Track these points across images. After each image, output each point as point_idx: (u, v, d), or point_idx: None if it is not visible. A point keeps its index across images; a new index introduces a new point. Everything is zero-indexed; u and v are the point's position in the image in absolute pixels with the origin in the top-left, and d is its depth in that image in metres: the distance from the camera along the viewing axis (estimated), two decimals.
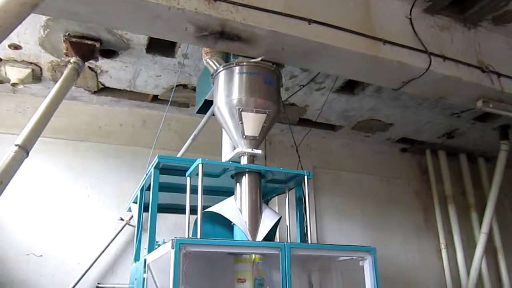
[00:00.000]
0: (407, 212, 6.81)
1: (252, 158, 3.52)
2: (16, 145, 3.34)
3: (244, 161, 3.49)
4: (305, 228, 3.82)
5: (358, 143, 6.86)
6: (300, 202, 4.04)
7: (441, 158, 7.09)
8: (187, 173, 3.39)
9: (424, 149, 7.13)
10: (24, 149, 3.36)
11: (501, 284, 6.78)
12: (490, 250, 6.81)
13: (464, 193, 7.09)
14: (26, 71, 4.58)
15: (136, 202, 4.36)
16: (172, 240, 2.66)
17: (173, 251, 2.62)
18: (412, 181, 7.09)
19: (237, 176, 3.51)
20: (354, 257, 3.19)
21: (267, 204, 3.95)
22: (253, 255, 3.18)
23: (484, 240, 6.34)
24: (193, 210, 3.20)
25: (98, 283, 4.72)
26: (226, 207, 3.37)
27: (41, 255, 4.58)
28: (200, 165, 3.20)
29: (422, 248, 6.70)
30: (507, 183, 6.86)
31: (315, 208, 6.12)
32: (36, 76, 4.72)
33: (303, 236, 3.86)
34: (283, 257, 2.85)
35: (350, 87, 5.34)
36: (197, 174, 3.21)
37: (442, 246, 6.71)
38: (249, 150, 3.46)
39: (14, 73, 4.57)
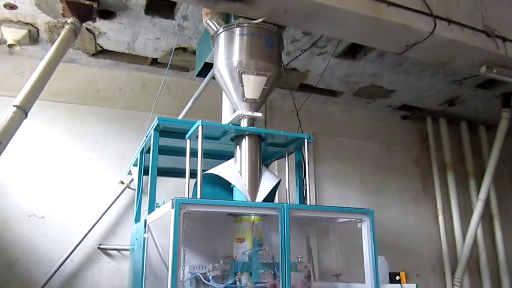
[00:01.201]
0: (406, 179, 6.85)
1: (252, 121, 3.50)
2: (14, 106, 3.32)
3: (244, 123, 3.47)
4: (304, 191, 3.85)
5: (358, 109, 6.83)
6: (299, 166, 4.05)
7: (442, 125, 7.07)
8: (187, 135, 3.38)
9: (425, 117, 7.10)
10: (23, 110, 3.34)
11: (495, 250, 6.90)
12: (486, 217, 6.90)
13: (463, 161, 7.11)
14: (22, 32, 4.50)
15: (136, 165, 4.38)
16: (172, 200, 2.68)
17: (173, 210, 2.64)
18: (412, 149, 7.10)
19: (237, 138, 3.50)
20: (352, 219, 3.22)
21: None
22: (253, 216, 3.21)
23: (481, 206, 6.41)
24: (193, 174, 3.21)
25: (100, 245, 4.79)
26: (226, 169, 3.38)
27: (42, 217, 4.63)
28: (200, 127, 3.19)
29: (419, 214, 6.78)
30: (507, 151, 6.87)
31: (315, 174, 6.15)
32: (33, 38, 4.63)
33: (302, 199, 3.90)
34: (282, 218, 2.87)
35: (352, 52, 5.26)
36: (197, 137, 3.20)
37: (440, 212, 6.79)
38: (249, 113, 3.44)
39: (11, 34, 4.49)
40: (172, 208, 2.65)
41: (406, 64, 5.39)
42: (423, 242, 6.65)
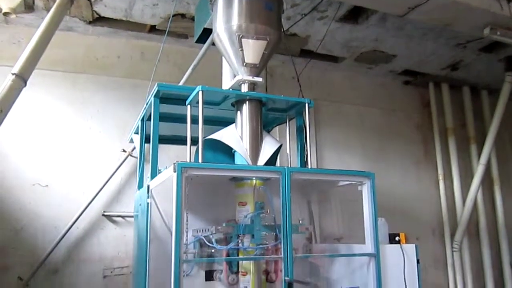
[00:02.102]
0: (407, 144, 6.86)
1: (252, 86, 3.49)
2: (13, 74, 3.29)
3: (244, 88, 3.46)
4: (305, 156, 3.87)
5: (360, 75, 6.77)
6: (300, 131, 4.06)
7: (444, 90, 7.02)
8: (187, 101, 3.38)
9: (427, 82, 7.03)
10: (22, 78, 3.32)
11: (495, 214, 6.97)
12: (486, 181, 6.94)
13: (464, 126, 7.10)
14: (17, 0, 4.42)
15: (137, 133, 4.39)
16: (173, 164, 2.70)
17: (175, 174, 2.67)
18: (413, 114, 7.08)
19: (238, 104, 3.50)
20: (353, 182, 3.25)
21: None
22: (254, 180, 3.24)
23: (481, 171, 6.44)
24: (194, 141, 3.22)
25: (104, 211, 4.86)
26: (227, 135, 3.39)
27: (46, 186, 4.67)
28: (200, 92, 3.18)
29: (420, 179, 6.82)
30: (509, 116, 6.82)
31: (316, 141, 6.15)
32: (28, 5, 4.55)
33: (303, 164, 3.92)
34: (283, 181, 2.90)
35: (354, 15, 5.16)
36: (198, 102, 3.19)
37: (440, 177, 6.82)
38: (250, 78, 3.42)
39: (5, 2, 4.40)
40: (174, 172, 2.67)
41: (408, 28, 5.30)
42: (424, 206, 6.72)
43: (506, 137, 7.55)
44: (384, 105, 6.87)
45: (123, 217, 4.91)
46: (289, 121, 4.15)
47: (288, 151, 4.08)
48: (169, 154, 4.81)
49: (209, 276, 3.45)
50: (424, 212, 6.70)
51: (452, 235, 6.56)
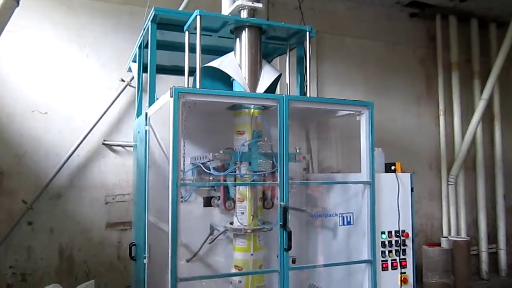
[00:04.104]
0: (409, 79, 6.76)
1: (252, 12, 3.37)
2: None
3: (244, 14, 3.35)
4: (305, 87, 3.82)
5: (365, 6, 6.51)
6: (301, 62, 3.99)
7: (451, 23, 6.78)
8: (185, 27, 3.28)
9: (434, 14, 6.79)
10: None
11: (493, 149, 7.02)
12: (487, 117, 6.93)
13: (470, 60, 6.95)
14: None
15: (135, 61, 4.32)
16: (170, 89, 2.68)
17: (172, 100, 2.65)
18: (418, 48, 6.91)
19: (237, 31, 3.40)
20: (352, 112, 3.24)
21: None
22: (252, 110, 3.23)
23: (483, 106, 6.40)
24: (193, 71, 3.17)
25: (104, 140, 4.90)
26: (226, 62, 3.33)
27: (46, 113, 4.67)
28: (198, 17, 3.08)
29: (421, 114, 6.81)
30: None
31: (317, 74, 6.06)
32: None
33: (303, 95, 3.89)
34: (281, 109, 2.88)
35: None
36: (196, 28, 3.10)
37: (441, 112, 6.80)
38: (249, 3, 3.30)
39: None
40: (171, 97, 2.65)
41: None
42: (422, 141, 6.76)
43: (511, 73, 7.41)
44: (388, 39, 6.69)
45: (123, 146, 4.97)
46: (289, 51, 4.05)
47: (287, 82, 4.03)
48: (168, 85, 4.66)
49: (207, 202, 3.53)
50: (422, 147, 6.75)
51: (449, 170, 6.66)
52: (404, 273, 3.27)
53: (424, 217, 6.67)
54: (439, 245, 6.08)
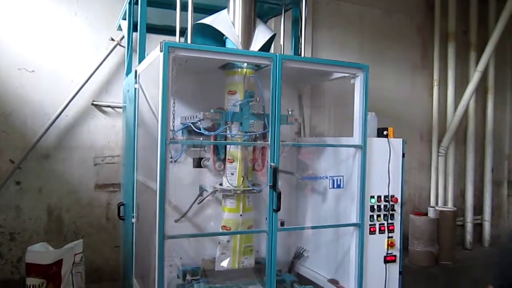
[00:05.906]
0: (405, 48, 6.67)
1: None
2: None
3: None
4: (300, 50, 3.73)
5: None
6: (296, 23, 3.90)
7: None
8: None
9: None
10: None
11: (485, 121, 7.04)
12: (481, 89, 6.91)
13: (467, 32, 6.87)
14: None
15: (125, 19, 4.19)
16: (160, 43, 2.59)
17: (161, 54, 2.57)
18: (415, 16, 6.79)
19: None
20: (346, 75, 3.17)
21: None
22: (245, 70, 3.15)
23: (477, 78, 6.37)
24: (184, 32, 3.05)
25: (93, 101, 4.81)
26: (218, 20, 3.23)
27: (33, 71, 4.54)
28: None
29: (415, 84, 6.76)
30: None
31: (312, 41, 5.95)
32: None
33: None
34: (275, 68, 2.80)
35: None
36: None
37: (435, 83, 6.76)
38: None
39: None
40: (161, 52, 2.57)
41: None
42: (415, 111, 6.74)
43: (508, 46, 7.34)
44: (385, 6, 6.56)
45: (112, 107, 4.88)
46: (285, 12, 3.95)
47: (282, 44, 3.94)
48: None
49: (197, 163, 3.50)
50: (414, 118, 6.74)
51: (440, 141, 6.67)
52: (392, 237, 3.29)
53: (413, 187, 6.72)
54: (426, 214, 6.17)
